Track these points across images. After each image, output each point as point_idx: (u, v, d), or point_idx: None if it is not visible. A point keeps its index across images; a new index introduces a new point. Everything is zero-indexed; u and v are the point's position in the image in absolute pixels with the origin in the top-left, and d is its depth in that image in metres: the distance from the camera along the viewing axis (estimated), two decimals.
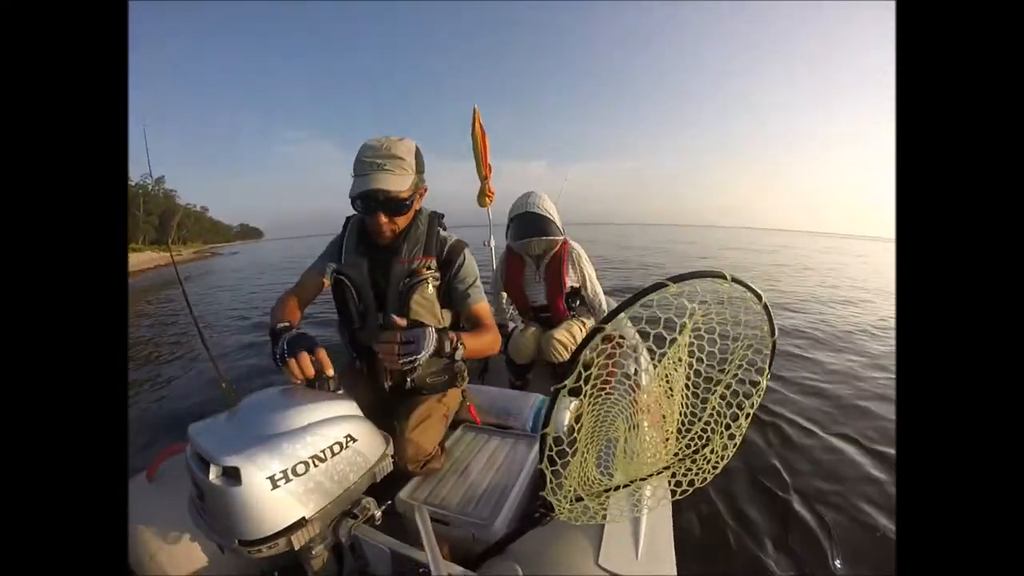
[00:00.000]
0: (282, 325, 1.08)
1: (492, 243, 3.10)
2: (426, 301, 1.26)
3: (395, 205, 1.18)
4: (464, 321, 1.33)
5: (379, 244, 1.28)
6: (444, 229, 1.37)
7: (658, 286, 0.69)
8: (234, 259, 27.64)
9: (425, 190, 1.29)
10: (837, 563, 1.65)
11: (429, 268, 1.27)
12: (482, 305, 1.32)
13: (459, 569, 0.87)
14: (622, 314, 0.72)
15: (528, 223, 2.03)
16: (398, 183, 1.15)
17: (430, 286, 1.26)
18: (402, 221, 1.24)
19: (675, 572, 0.91)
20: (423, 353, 0.96)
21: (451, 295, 1.31)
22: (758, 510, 1.94)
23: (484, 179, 2.89)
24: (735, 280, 0.72)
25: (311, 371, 0.95)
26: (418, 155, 1.22)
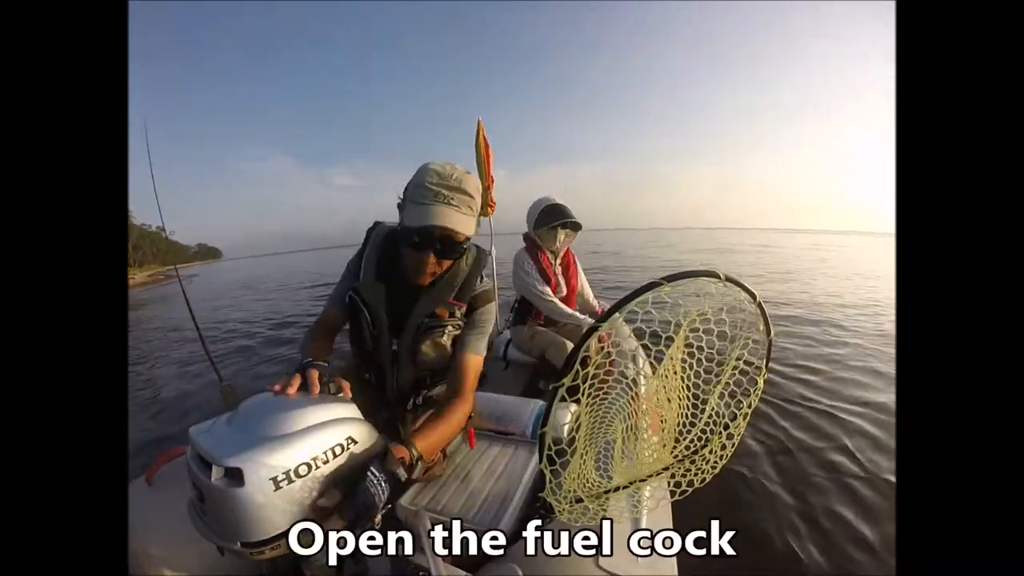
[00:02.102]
0: (306, 361, 1.02)
1: (494, 252, 3.13)
2: (439, 348, 1.20)
3: (451, 248, 1.08)
4: (452, 367, 1.22)
5: (418, 281, 1.14)
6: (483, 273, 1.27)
7: (652, 285, 0.70)
8: (192, 283, 23.72)
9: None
10: (837, 562, 1.64)
11: (454, 315, 1.18)
12: (475, 359, 1.20)
13: (459, 572, 0.87)
14: (617, 314, 0.73)
15: (561, 209, 2.21)
16: (465, 225, 1.05)
17: (446, 335, 1.19)
18: (447, 264, 1.14)
19: (675, 573, 0.91)
20: (380, 506, 0.82)
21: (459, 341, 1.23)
22: (758, 510, 1.93)
23: (486, 190, 2.93)
24: (729, 280, 0.72)
25: (291, 389, 0.91)
26: (483, 196, 1.13)
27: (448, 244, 1.06)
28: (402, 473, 0.86)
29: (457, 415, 1.12)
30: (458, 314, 1.19)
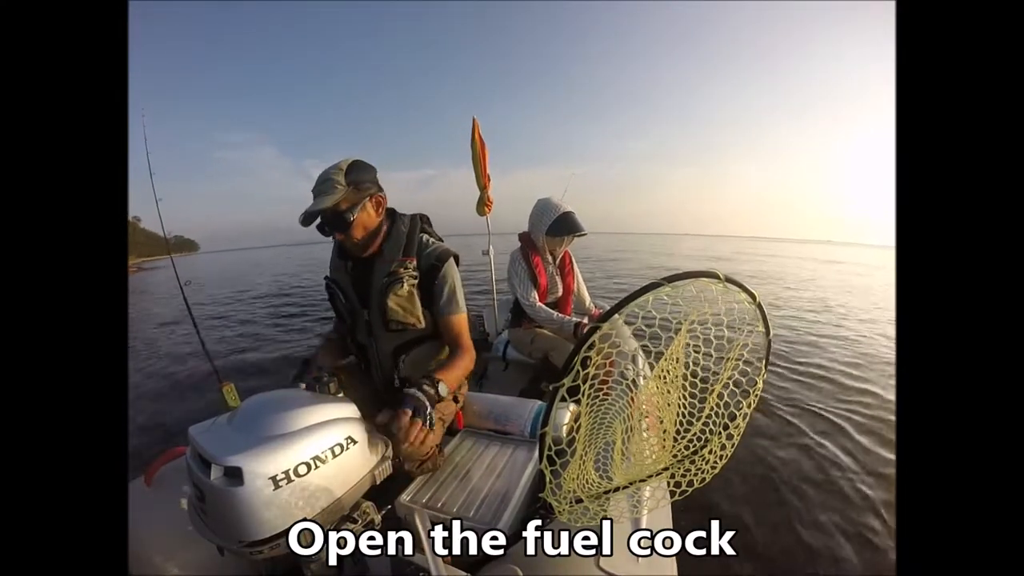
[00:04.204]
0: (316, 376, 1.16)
1: (492, 252, 3.12)
2: (402, 299, 1.30)
3: (337, 220, 1.23)
4: (441, 333, 1.39)
5: (356, 253, 1.34)
6: (431, 235, 1.44)
7: (652, 286, 0.70)
8: (157, 274, 22.83)
9: (380, 198, 1.31)
10: (837, 563, 1.65)
11: (406, 268, 1.31)
12: (458, 318, 1.37)
13: (459, 572, 0.87)
14: (616, 314, 0.73)
15: (574, 220, 2.22)
16: (327, 201, 1.19)
17: (405, 285, 1.30)
18: (359, 232, 1.27)
19: (675, 573, 0.91)
20: (429, 410, 1.02)
21: (431, 304, 1.36)
22: (758, 510, 1.94)
23: (483, 189, 2.92)
24: (729, 280, 0.72)
25: None
26: (351, 169, 1.24)
27: (333, 219, 1.23)
28: (429, 389, 1.07)
29: (464, 360, 1.32)
30: (411, 267, 1.32)
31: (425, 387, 1.07)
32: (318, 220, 1.25)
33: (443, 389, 1.13)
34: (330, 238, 1.30)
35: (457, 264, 1.41)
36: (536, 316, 2.19)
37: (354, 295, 1.36)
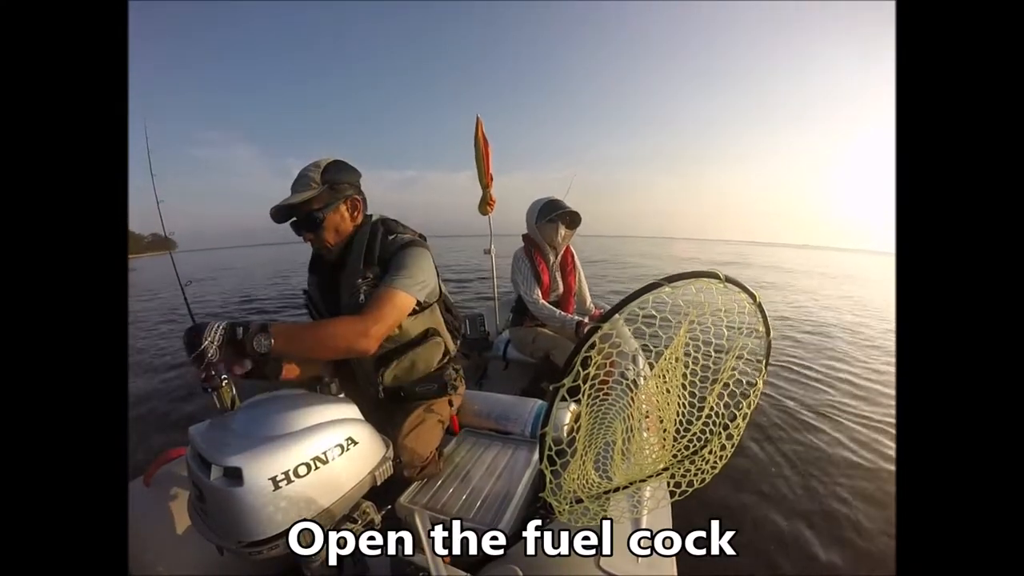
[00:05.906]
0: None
1: (493, 250, 3.12)
2: None
3: (306, 219, 1.20)
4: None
5: (327, 260, 1.31)
6: (397, 232, 1.32)
7: (653, 286, 0.70)
8: (143, 274, 19.27)
9: (356, 201, 1.27)
10: (837, 563, 1.65)
11: (367, 277, 1.23)
12: (388, 290, 1.16)
13: (459, 572, 0.88)
14: (617, 314, 0.73)
15: (561, 202, 2.23)
16: (297, 198, 1.17)
17: (363, 296, 1.21)
18: (330, 235, 1.23)
19: (675, 573, 0.91)
20: (205, 344, 0.84)
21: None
22: (758, 510, 1.93)
23: (486, 188, 2.92)
24: (728, 280, 0.72)
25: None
26: (330, 168, 1.22)
27: (303, 218, 1.20)
28: (236, 331, 0.87)
29: (347, 324, 1.07)
30: (371, 275, 1.23)
31: (238, 328, 0.88)
32: (294, 218, 1.22)
33: (260, 344, 0.89)
34: (301, 239, 1.26)
35: (425, 248, 1.31)
36: (539, 313, 2.19)
37: (327, 312, 1.32)
